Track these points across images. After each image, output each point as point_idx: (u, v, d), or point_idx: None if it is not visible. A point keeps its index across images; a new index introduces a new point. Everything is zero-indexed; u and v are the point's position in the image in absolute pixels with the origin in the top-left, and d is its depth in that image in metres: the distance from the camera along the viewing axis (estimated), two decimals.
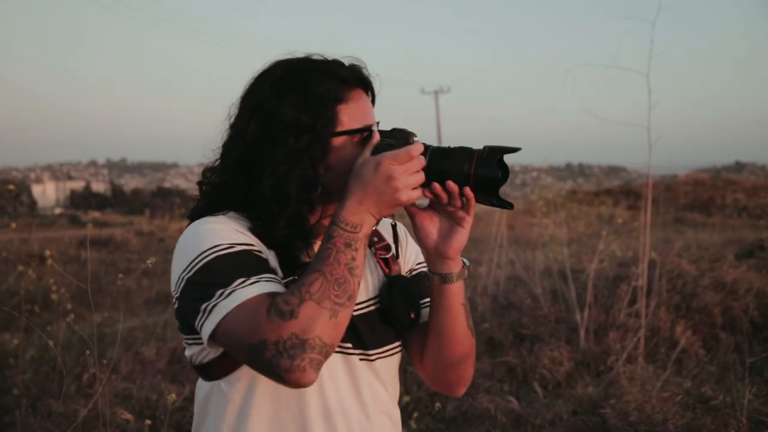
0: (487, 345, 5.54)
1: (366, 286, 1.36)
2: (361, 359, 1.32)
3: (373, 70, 1.34)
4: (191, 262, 1.19)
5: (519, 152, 1.19)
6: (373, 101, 1.35)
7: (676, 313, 5.73)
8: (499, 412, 4.17)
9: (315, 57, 1.31)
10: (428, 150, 1.23)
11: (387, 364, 1.37)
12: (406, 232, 1.51)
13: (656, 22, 5.06)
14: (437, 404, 4.18)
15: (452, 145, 1.24)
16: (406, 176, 1.18)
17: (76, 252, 11.93)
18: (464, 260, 1.34)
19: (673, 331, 5.48)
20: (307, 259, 1.29)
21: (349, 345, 1.31)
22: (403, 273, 1.45)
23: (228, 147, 1.31)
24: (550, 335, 5.48)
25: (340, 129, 1.27)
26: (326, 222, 1.29)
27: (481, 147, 1.22)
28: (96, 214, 31.61)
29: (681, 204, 20.52)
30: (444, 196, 1.23)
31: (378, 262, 1.42)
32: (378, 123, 1.32)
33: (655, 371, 4.56)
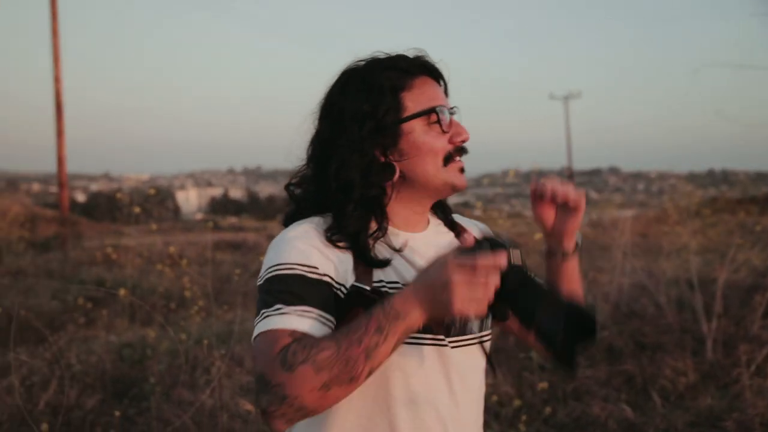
0: (605, 352, 5.39)
1: None
2: (453, 347, 1.33)
3: (437, 56, 1.37)
4: (264, 272, 1.26)
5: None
6: (446, 89, 1.40)
7: None
8: (612, 419, 4.05)
9: (379, 56, 1.37)
10: (513, 271, 1.13)
11: (477, 351, 1.39)
12: (486, 230, 1.56)
13: None
14: (548, 409, 4.12)
15: (544, 282, 1.23)
16: (465, 288, 1.08)
17: (212, 254, 12.65)
18: (577, 239, 1.46)
19: None
20: (380, 257, 1.30)
21: (441, 336, 1.31)
22: None
23: (308, 150, 1.39)
24: (675, 345, 5.26)
25: (406, 115, 1.31)
26: (400, 203, 1.35)
27: (569, 300, 1.12)
28: (233, 219, 33.25)
29: None
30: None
31: None
32: (454, 108, 1.36)
33: None
